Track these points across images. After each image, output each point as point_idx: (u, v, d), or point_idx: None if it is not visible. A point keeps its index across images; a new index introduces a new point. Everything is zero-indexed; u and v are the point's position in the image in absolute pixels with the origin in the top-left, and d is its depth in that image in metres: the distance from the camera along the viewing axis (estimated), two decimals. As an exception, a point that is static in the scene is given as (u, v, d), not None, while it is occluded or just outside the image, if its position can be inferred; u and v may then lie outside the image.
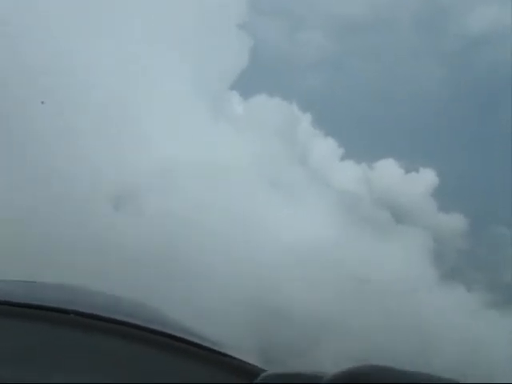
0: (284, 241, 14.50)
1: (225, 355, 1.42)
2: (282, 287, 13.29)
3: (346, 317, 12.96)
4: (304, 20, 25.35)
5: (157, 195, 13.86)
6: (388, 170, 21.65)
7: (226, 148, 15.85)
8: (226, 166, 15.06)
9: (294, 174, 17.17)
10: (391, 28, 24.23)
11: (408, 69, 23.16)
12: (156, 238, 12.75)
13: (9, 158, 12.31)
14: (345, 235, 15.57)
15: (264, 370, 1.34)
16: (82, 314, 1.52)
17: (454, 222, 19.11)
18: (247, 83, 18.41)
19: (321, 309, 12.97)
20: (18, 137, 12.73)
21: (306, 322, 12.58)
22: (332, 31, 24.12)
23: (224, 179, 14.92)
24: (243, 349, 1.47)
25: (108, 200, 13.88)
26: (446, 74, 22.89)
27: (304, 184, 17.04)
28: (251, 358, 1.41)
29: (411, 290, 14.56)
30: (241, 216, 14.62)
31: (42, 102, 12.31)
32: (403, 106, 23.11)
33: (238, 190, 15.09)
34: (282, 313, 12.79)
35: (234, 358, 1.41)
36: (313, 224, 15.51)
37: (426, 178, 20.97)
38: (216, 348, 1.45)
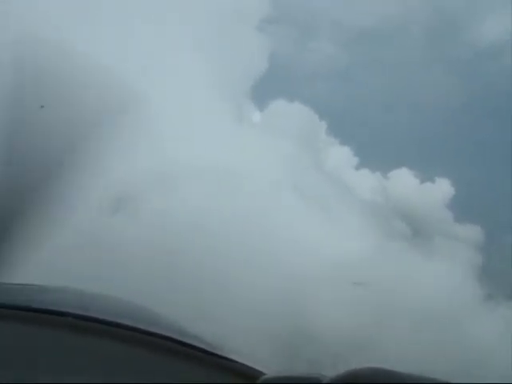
0: (313, 251, 14.22)
1: (225, 358, 1.46)
2: (310, 301, 12.99)
3: (381, 336, 12.49)
4: (314, 30, 25.51)
5: (172, 200, 13.76)
6: (403, 180, 21.68)
7: (246, 153, 15.80)
8: (248, 172, 15.01)
9: (319, 183, 17.04)
10: (402, 38, 24.35)
11: (420, 78, 23.28)
12: (171, 245, 12.60)
13: (7, 160, 12.37)
14: (376, 247, 15.34)
15: (263, 373, 1.38)
16: (82, 317, 1.56)
17: (471, 234, 19.05)
18: (263, 89, 18.56)
19: (354, 327, 12.53)
20: (16, 138, 12.77)
21: (335, 340, 12.13)
22: (343, 41, 24.28)
23: (247, 185, 14.82)
24: (243, 352, 1.51)
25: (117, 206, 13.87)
26: (458, 83, 22.96)
27: (329, 192, 16.90)
28: (251, 361, 1.46)
29: (455, 309, 14.05)
30: (266, 224, 14.43)
31: (42, 106, 12.30)
32: (416, 116, 23.18)
33: (262, 196, 14.95)
34: (308, 329, 12.44)
35: (234, 361, 1.45)
36: (342, 235, 15.24)
37: (442, 188, 20.97)
38: (216, 351, 1.49)
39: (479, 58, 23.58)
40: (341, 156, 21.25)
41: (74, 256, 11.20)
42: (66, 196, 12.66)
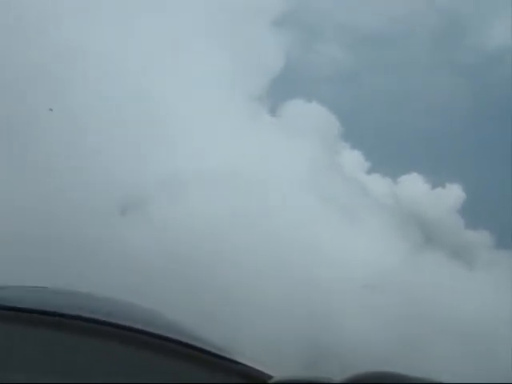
0: (339, 261, 13.84)
1: (233, 361, 1.48)
2: (338, 311, 12.55)
3: (416, 355, 11.61)
4: (320, 32, 25.57)
5: (183, 203, 13.58)
6: (414, 185, 21.63)
7: (262, 156, 15.59)
8: (261, 174, 14.81)
9: (337, 187, 16.72)
10: (409, 41, 24.37)
11: (430, 83, 23.28)
12: (186, 249, 12.39)
13: (16, 164, 12.42)
14: (408, 257, 14.95)
15: (271, 376, 1.40)
16: (90, 320, 1.58)
17: (483, 239, 18.94)
18: (271, 91, 18.57)
19: (389, 346, 11.82)
20: (25, 140, 12.76)
21: (366, 359, 11.05)
22: (349, 44, 24.31)
23: (265, 189, 14.59)
24: (252, 355, 1.53)
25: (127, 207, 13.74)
26: (469, 87, 22.95)
27: (351, 198, 16.60)
28: (259, 364, 1.47)
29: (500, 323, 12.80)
30: (290, 230, 14.12)
31: (51, 109, 12.35)
32: (427, 120, 23.15)
33: (282, 201, 14.70)
34: (335, 346, 11.93)
35: (242, 364, 1.46)
36: (369, 243, 14.83)
37: (453, 193, 20.91)
38: (224, 354, 1.50)
39: (487, 63, 23.57)
40: (353, 160, 21.20)
41: (81, 258, 11.20)
42: (75, 198, 12.71)
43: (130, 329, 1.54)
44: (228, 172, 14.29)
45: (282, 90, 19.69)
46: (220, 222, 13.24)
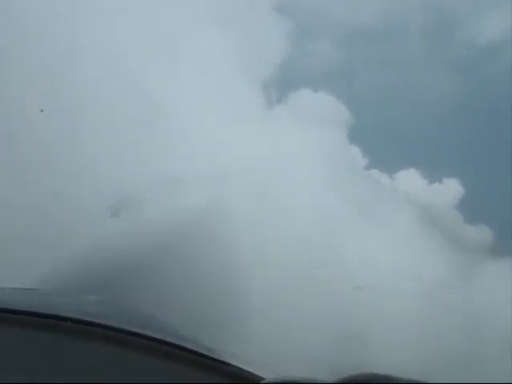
0: (340, 260, 13.55)
1: (225, 363, 1.48)
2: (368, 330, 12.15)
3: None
4: (313, 29, 25.59)
5: (181, 204, 13.45)
6: (411, 181, 21.67)
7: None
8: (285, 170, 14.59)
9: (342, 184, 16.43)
10: (402, 37, 24.43)
11: (426, 78, 23.37)
12: (199, 258, 12.24)
13: (10, 165, 12.39)
14: (414, 256, 14.65)
15: (262, 378, 1.40)
16: (81, 322, 1.58)
17: (482, 235, 18.94)
18: (264, 92, 18.58)
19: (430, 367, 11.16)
20: (19, 140, 12.71)
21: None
22: (342, 39, 24.32)
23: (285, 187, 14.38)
24: (244, 357, 1.53)
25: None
26: (466, 82, 23.00)
27: (358, 195, 16.37)
28: (250, 366, 1.47)
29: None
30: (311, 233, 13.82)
31: (42, 111, 12.31)
32: (421, 115, 23.22)
33: (288, 198, 14.50)
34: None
35: (234, 366, 1.47)
36: (375, 241, 14.50)
37: (451, 188, 20.94)
38: (216, 356, 1.51)
39: (481, 58, 23.65)
40: (349, 157, 21.19)
41: (75, 260, 11.19)
42: (70, 198, 12.69)
43: (123, 331, 1.55)
44: (228, 169, 14.24)
45: (280, 86, 19.72)
46: (222, 220, 13.18)
